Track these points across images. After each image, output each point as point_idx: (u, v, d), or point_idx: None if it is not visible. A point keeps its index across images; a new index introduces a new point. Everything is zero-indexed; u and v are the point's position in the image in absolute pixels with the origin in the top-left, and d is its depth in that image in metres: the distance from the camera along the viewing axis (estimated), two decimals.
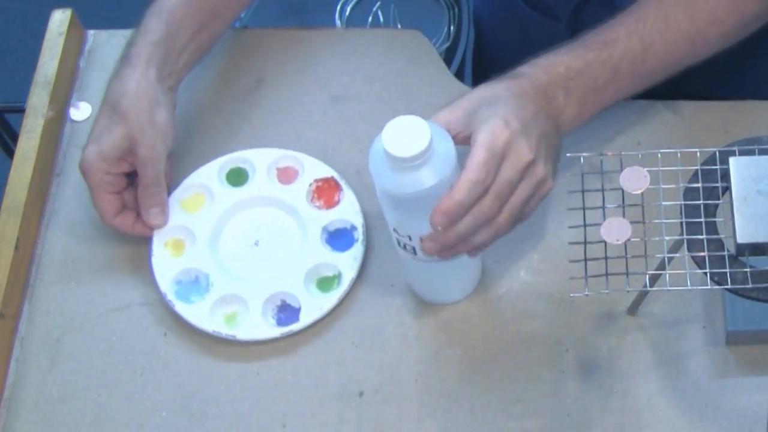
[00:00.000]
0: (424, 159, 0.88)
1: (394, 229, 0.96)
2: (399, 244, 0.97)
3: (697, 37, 1.02)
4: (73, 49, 1.22)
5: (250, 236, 1.09)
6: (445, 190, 0.90)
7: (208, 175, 1.11)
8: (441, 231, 0.92)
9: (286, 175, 1.12)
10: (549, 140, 0.96)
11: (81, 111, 1.19)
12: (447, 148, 0.90)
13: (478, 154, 0.90)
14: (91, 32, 1.25)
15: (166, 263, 1.07)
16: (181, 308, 1.04)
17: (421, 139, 0.87)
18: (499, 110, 0.93)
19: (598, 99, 1.01)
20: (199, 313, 1.04)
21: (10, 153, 1.72)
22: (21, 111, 1.18)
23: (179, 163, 1.14)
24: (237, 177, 1.12)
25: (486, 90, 0.97)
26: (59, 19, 1.21)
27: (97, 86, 1.20)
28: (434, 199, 0.90)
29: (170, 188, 1.09)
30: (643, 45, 1.00)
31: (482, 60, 1.42)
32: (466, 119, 0.94)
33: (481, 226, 0.93)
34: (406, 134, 0.88)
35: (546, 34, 1.22)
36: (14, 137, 1.72)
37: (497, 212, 0.93)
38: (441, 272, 1.00)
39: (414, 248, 0.96)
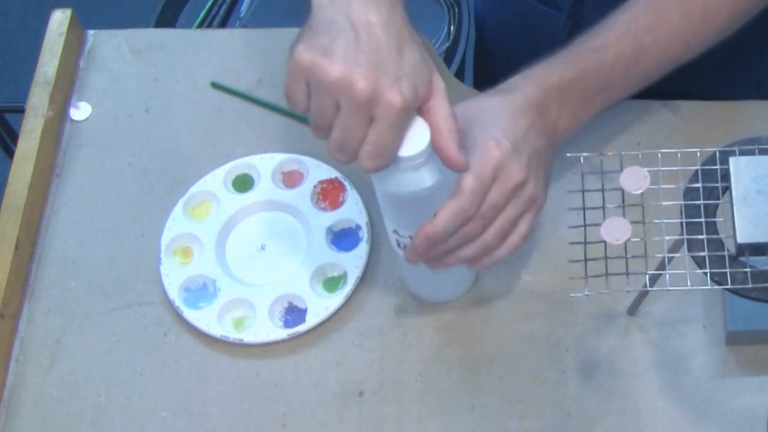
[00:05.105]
0: (425, 158, 0.88)
1: (394, 230, 0.96)
2: (399, 245, 0.97)
3: (690, 33, 1.01)
4: (73, 49, 1.22)
5: (256, 241, 1.10)
6: (445, 189, 0.90)
7: (214, 182, 1.12)
8: (422, 250, 0.92)
9: (291, 179, 1.12)
10: (541, 156, 0.95)
11: (81, 111, 1.19)
12: None
13: (467, 182, 0.90)
14: (91, 32, 1.25)
15: (175, 271, 1.07)
16: (190, 315, 1.05)
17: (421, 138, 0.87)
18: (490, 130, 0.93)
19: (591, 106, 1.00)
20: (207, 319, 1.04)
21: (10, 153, 1.72)
22: (21, 111, 1.18)
23: (183, 169, 1.14)
24: (243, 183, 1.12)
25: (477, 105, 0.96)
26: (59, 19, 1.21)
27: (97, 86, 1.21)
28: (435, 197, 0.90)
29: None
30: (636, 47, 1.00)
31: (484, 58, 1.42)
32: None
33: (464, 244, 0.93)
34: (407, 134, 0.88)
35: (548, 27, 1.21)
36: (14, 137, 1.73)
37: (481, 232, 0.93)
38: (440, 272, 1.00)
39: None
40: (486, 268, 0.98)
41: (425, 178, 0.89)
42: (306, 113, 0.87)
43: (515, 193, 0.93)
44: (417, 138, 0.87)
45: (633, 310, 1.02)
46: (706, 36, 1.02)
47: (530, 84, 0.97)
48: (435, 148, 0.87)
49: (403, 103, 0.83)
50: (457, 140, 0.87)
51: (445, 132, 0.86)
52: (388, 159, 0.86)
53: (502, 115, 0.94)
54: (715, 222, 0.87)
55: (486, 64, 1.42)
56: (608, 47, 0.99)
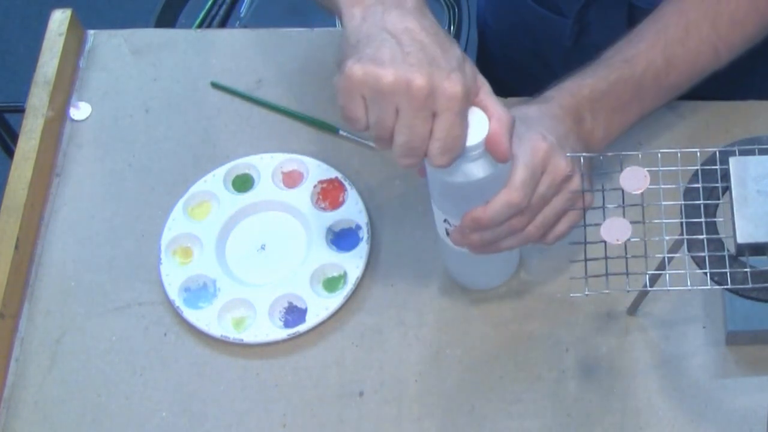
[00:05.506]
0: (483, 150, 0.88)
1: (445, 220, 0.95)
2: (448, 233, 0.97)
3: (719, 43, 1.02)
4: (73, 49, 1.22)
5: (256, 241, 1.10)
6: (498, 180, 0.90)
7: (214, 182, 1.12)
8: (468, 232, 0.93)
9: (291, 179, 1.12)
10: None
11: (81, 111, 1.19)
12: None
13: (519, 174, 0.90)
14: (91, 32, 1.25)
15: (175, 271, 1.07)
16: (189, 314, 1.05)
17: (481, 127, 0.87)
18: (534, 127, 0.94)
19: (624, 118, 1.01)
20: (207, 319, 1.04)
21: (10, 153, 1.72)
22: (21, 111, 1.18)
23: (183, 169, 1.14)
24: (243, 183, 1.12)
25: (518, 111, 0.96)
26: (59, 19, 1.21)
27: (97, 86, 1.21)
28: (489, 188, 0.90)
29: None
30: (666, 58, 1.01)
31: (485, 60, 1.42)
32: None
33: (508, 236, 0.94)
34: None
35: (552, 31, 1.21)
36: (14, 137, 1.73)
37: (527, 224, 0.94)
38: (483, 260, 0.99)
39: None
40: None
41: (482, 169, 0.89)
42: (366, 131, 0.87)
43: (562, 185, 0.94)
44: (476, 127, 0.87)
45: (633, 310, 1.02)
46: (735, 45, 1.03)
47: (564, 94, 0.98)
48: (488, 135, 0.87)
49: (463, 90, 0.84)
50: (511, 130, 0.88)
51: (504, 120, 0.87)
52: (459, 150, 0.86)
53: (542, 117, 0.96)
54: (715, 222, 0.87)
55: (488, 67, 1.42)
56: (638, 58, 1.00)
